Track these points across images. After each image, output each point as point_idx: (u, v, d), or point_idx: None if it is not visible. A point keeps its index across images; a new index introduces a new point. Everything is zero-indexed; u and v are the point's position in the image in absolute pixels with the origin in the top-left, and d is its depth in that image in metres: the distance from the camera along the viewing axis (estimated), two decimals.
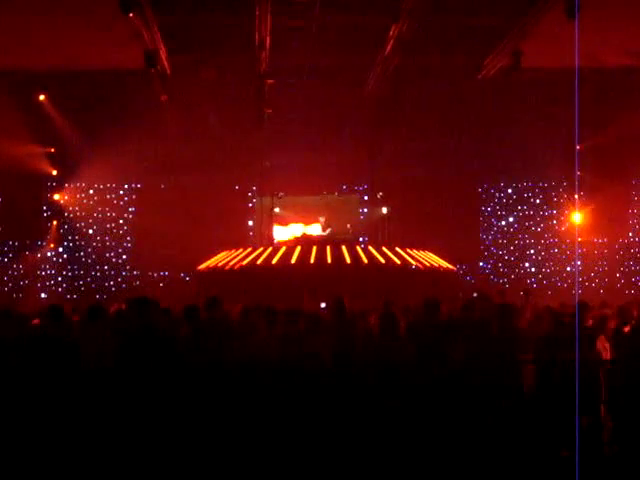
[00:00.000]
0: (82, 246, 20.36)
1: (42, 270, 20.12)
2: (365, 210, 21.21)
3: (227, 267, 16.74)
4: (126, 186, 20.69)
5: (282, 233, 19.43)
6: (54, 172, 19.60)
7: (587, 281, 20.41)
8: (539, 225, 21.15)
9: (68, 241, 20.28)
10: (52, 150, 18.74)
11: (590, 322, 7.28)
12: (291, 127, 18.35)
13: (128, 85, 15.67)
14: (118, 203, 20.74)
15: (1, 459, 5.13)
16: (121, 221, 20.74)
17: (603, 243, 20.57)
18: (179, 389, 5.57)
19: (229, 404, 5.52)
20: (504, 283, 20.58)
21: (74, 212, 20.40)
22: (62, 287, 20.14)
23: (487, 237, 21.25)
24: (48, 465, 5.10)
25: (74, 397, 5.35)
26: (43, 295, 19.79)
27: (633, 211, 20.72)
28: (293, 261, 16.27)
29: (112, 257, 20.55)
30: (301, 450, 5.28)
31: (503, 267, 21.09)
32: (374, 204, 20.73)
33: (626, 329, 7.16)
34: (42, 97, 17.11)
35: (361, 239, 19.83)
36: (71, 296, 19.60)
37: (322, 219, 19.01)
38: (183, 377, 5.67)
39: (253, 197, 21.00)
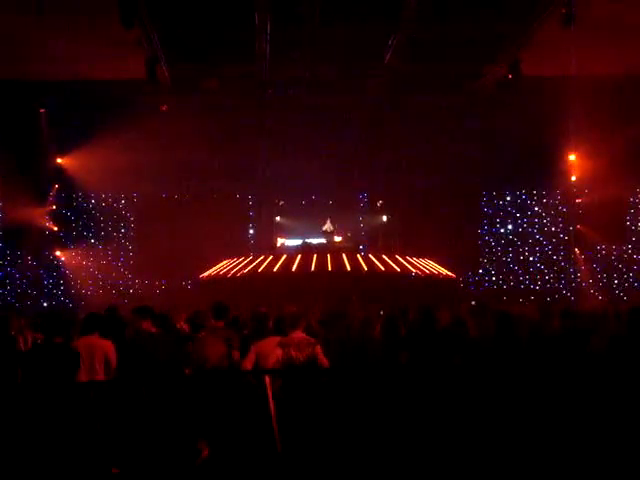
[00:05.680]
0: (83, 254, 20.42)
1: (43, 278, 20.17)
2: (365, 218, 21.28)
3: (229, 275, 16.83)
4: (128, 194, 20.79)
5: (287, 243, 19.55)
6: (56, 186, 19.66)
7: (587, 288, 20.48)
8: (539, 232, 21.20)
9: (69, 249, 20.33)
10: (59, 160, 18.81)
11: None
12: (291, 136, 18.43)
13: (129, 95, 15.77)
14: (119, 212, 20.84)
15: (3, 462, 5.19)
16: (122, 230, 20.85)
17: (603, 250, 20.64)
18: (183, 393, 5.62)
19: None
20: (504, 290, 20.65)
21: (75, 220, 20.49)
22: (63, 295, 20.21)
23: (487, 244, 21.30)
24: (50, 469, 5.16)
25: (74, 404, 5.42)
26: (45, 304, 19.88)
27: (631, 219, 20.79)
28: (294, 269, 16.34)
29: (113, 265, 20.61)
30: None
31: (503, 274, 21.12)
32: (374, 212, 20.85)
33: None
34: (42, 110, 17.32)
35: (361, 247, 19.90)
36: (72, 304, 19.72)
37: (328, 221, 18.94)
38: (186, 383, 5.73)
39: (254, 205, 21.08)
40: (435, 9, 12.68)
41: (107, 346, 6.21)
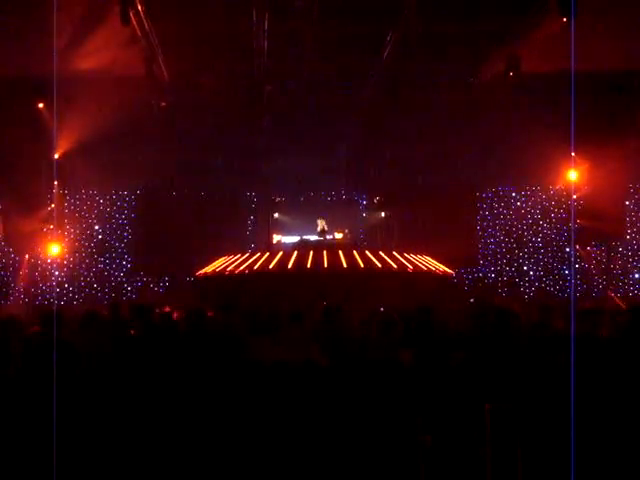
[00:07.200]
0: (82, 251, 20.37)
1: (41, 275, 20.11)
2: (363, 215, 21.26)
3: (226, 272, 16.77)
4: (125, 192, 20.73)
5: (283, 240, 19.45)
6: (55, 182, 19.57)
7: (587, 284, 20.50)
8: (537, 229, 21.18)
9: (68, 247, 20.27)
10: (56, 157, 18.72)
11: None
12: (289, 132, 18.42)
13: (126, 91, 15.71)
14: (117, 209, 20.79)
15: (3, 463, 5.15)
16: (120, 227, 20.78)
17: (602, 246, 20.64)
18: (181, 389, 5.58)
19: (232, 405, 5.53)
20: (502, 287, 20.64)
21: (74, 218, 20.43)
22: (62, 292, 20.15)
23: (485, 241, 21.28)
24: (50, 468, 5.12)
25: (73, 398, 5.38)
26: (45, 301, 19.84)
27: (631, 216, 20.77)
28: (290, 266, 16.28)
29: (111, 262, 20.58)
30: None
31: (502, 271, 21.11)
32: (372, 209, 20.83)
33: None
34: (41, 105, 17.20)
35: (359, 244, 19.85)
36: (70, 301, 19.68)
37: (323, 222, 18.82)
38: (185, 378, 5.68)
39: (252, 202, 21.05)
40: (433, 5, 12.67)
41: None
